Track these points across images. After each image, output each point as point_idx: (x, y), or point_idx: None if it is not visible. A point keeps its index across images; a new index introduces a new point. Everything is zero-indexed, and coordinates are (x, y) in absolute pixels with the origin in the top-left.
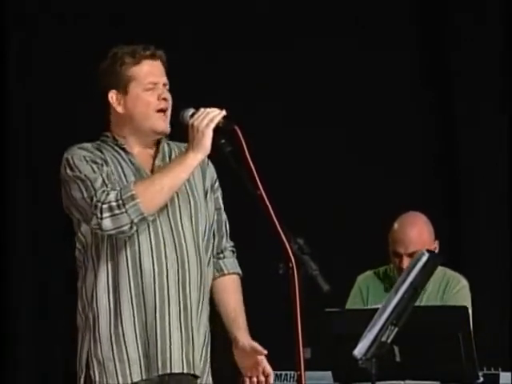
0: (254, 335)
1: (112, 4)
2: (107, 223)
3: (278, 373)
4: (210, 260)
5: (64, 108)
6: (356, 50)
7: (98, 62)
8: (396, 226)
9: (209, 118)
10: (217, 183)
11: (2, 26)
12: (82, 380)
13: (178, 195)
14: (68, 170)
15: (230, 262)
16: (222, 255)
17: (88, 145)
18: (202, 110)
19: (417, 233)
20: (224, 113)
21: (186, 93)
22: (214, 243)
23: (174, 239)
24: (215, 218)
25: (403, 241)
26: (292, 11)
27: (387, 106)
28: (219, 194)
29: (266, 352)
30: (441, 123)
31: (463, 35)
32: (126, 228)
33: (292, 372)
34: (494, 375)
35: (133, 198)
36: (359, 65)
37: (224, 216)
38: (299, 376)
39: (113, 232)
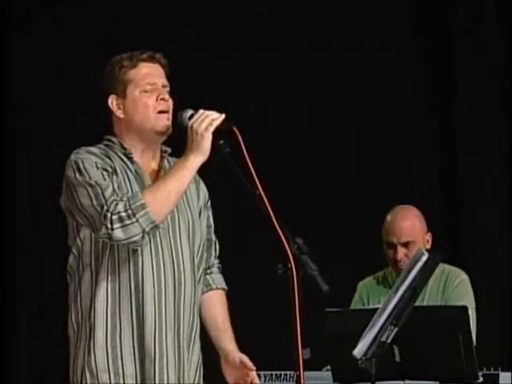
0: (254, 336)
1: (113, 4)
2: (119, 234)
3: (278, 373)
4: (200, 277)
5: (64, 107)
6: (356, 51)
7: (99, 61)
8: (389, 217)
9: (208, 121)
10: (209, 202)
11: (2, 26)
12: None
13: (178, 212)
14: (77, 174)
15: (218, 278)
16: (209, 271)
17: (96, 150)
18: (200, 111)
19: (409, 223)
20: (223, 116)
21: (186, 93)
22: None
23: (172, 258)
24: (206, 236)
25: (396, 231)
26: (292, 12)
27: (387, 106)
28: (210, 212)
29: (254, 368)
30: (441, 123)
31: (463, 35)
32: (137, 238)
33: (291, 372)
34: (493, 375)
35: (143, 206)
36: (359, 66)
37: (214, 236)
38: (299, 376)
39: (124, 242)
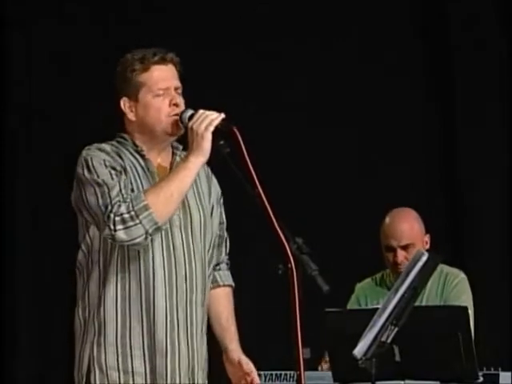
0: (254, 335)
1: (113, 4)
2: (122, 235)
3: (278, 373)
4: (210, 274)
5: (65, 107)
6: (358, 52)
7: (99, 61)
8: (387, 220)
9: (208, 121)
10: (221, 199)
11: (2, 26)
12: None
13: (190, 210)
14: (85, 172)
15: (225, 274)
16: (217, 267)
17: (108, 147)
18: (200, 111)
19: (408, 226)
20: (223, 115)
21: (186, 93)
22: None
23: (184, 255)
24: (218, 232)
25: (396, 234)
26: (292, 12)
27: (387, 106)
28: (223, 209)
29: (250, 371)
30: (441, 123)
31: (463, 35)
32: (140, 239)
33: (291, 372)
34: (493, 375)
35: (146, 208)
36: (359, 66)
37: (226, 233)
38: (299, 376)
39: (128, 243)
